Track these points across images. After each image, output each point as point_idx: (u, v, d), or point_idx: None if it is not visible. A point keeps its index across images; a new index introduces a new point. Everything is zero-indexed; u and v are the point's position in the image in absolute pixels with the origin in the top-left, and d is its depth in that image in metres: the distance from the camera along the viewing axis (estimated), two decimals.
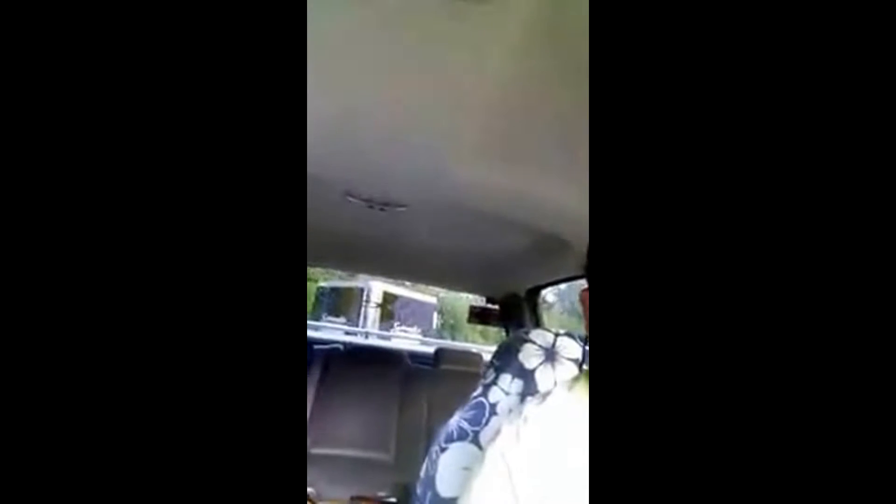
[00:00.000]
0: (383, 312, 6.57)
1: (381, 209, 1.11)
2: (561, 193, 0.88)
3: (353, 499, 1.66)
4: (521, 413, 0.51)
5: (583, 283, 0.54)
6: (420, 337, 6.49)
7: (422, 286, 6.08)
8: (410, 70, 0.56)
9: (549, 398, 0.52)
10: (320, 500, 1.61)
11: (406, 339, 6.01)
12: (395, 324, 6.66)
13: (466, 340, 7.27)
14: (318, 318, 6.32)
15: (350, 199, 1.07)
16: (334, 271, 5.91)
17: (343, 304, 6.60)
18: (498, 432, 0.51)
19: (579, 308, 0.54)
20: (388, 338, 5.90)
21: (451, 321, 8.79)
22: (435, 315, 7.47)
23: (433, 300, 7.37)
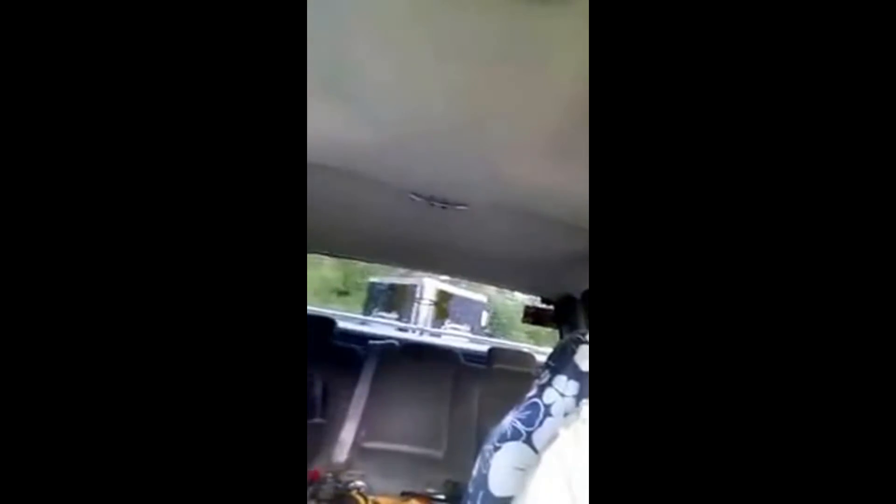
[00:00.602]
0: (438, 310, 6.63)
1: (443, 207, 1.13)
2: None
3: (403, 494, 1.70)
4: (579, 415, 0.51)
5: None
6: (470, 335, 6.50)
7: (473, 285, 6.08)
8: (479, 68, 0.57)
9: None
10: (371, 494, 1.65)
11: (456, 337, 6.03)
12: (447, 321, 6.70)
13: (513, 340, 7.23)
14: (369, 313, 6.45)
15: (413, 197, 1.09)
16: (391, 267, 6.02)
17: (396, 300, 6.71)
18: (555, 435, 0.51)
19: None
20: (438, 335, 5.94)
21: (501, 320, 8.76)
22: (484, 314, 7.47)
23: (483, 298, 7.37)
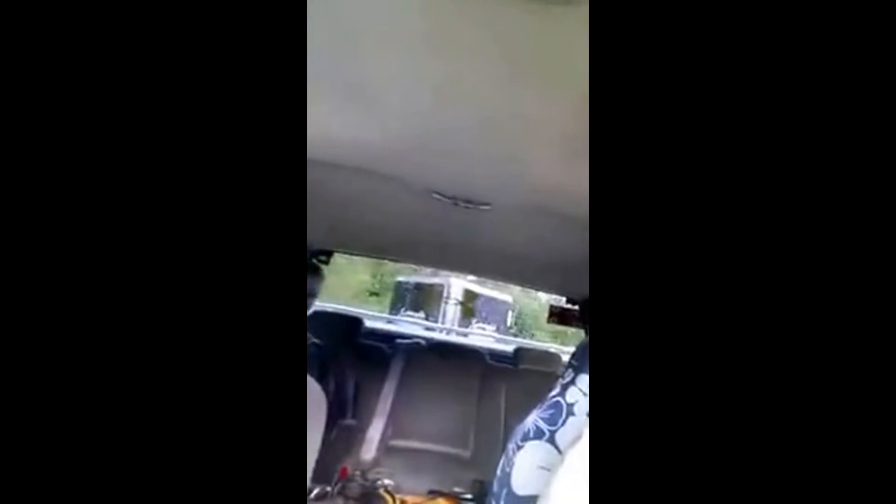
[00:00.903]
0: (465, 310, 6.63)
1: (466, 207, 1.14)
2: None
3: (430, 493, 1.71)
4: None
5: None
6: (496, 335, 6.48)
7: (499, 285, 6.07)
8: (501, 66, 0.57)
9: None
10: (398, 493, 1.67)
11: (483, 336, 6.03)
12: (474, 321, 6.70)
13: (538, 340, 7.19)
14: (396, 313, 6.50)
15: (436, 196, 1.11)
16: (418, 267, 6.06)
17: (423, 299, 6.74)
18: (579, 434, 0.51)
19: None
20: (465, 334, 5.95)
21: (526, 320, 8.71)
22: (509, 313, 7.44)
23: (509, 298, 7.34)
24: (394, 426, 1.89)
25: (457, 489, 1.72)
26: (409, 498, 1.67)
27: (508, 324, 7.35)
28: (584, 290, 2.02)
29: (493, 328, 6.78)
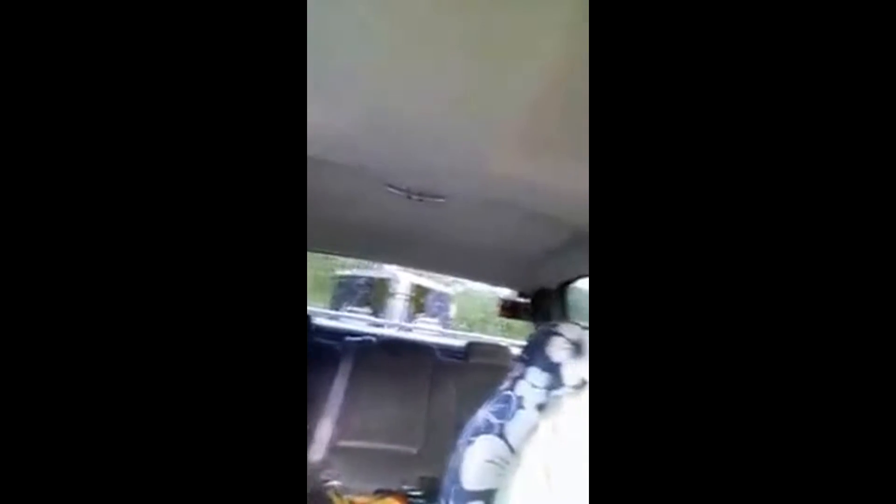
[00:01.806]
0: (414, 304, 6.62)
1: (419, 200, 1.13)
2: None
3: (378, 492, 1.71)
4: (558, 407, 0.52)
5: None
6: (441, 329, 6.51)
7: (445, 278, 6.10)
8: (455, 57, 0.57)
9: (584, 391, 0.52)
10: (346, 493, 1.66)
11: (428, 331, 6.04)
12: (420, 316, 6.71)
13: (480, 333, 7.27)
14: (338, 309, 6.35)
15: (390, 189, 1.10)
16: (356, 260, 5.97)
17: (369, 294, 6.66)
18: (534, 427, 0.52)
19: None
20: (410, 329, 5.93)
21: (467, 314, 8.81)
22: (452, 307, 7.50)
23: (452, 292, 7.40)
24: (342, 426, 1.87)
25: (405, 487, 1.73)
26: (357, 498, 1.66)
27: (451, 317, 7.39)
28: (536, 283, 2.07)
29: (438, 322, 6.80)
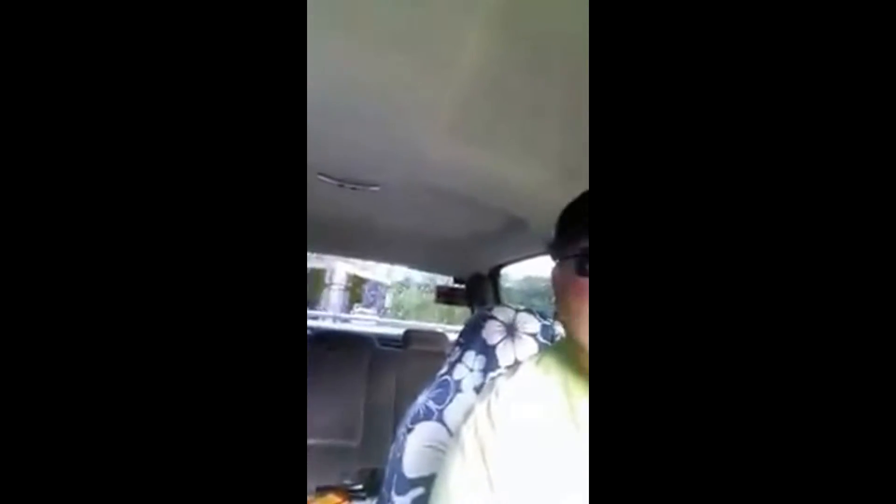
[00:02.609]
0: (352, 295, 6.55)
1: (353, 189, 1.12)
2: (526, 176, 0.92)
3: (319, 490, 1.69)
4: (492, 388, 0.53)
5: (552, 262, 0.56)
6: (377, 318, 6.51)
7: (381, 267, 6.09)
8: (386, 44, 0.57)
9: (518, 372, 0.54)
10: None
11: (364, 321, 6.01)
12: (356, 305, 6.66)
13: (414, 319, 7.34)
14: None
15: (322, 178, 1.07)
16: None
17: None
18: (470, 409, 0.53)
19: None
20: (348, 320, 5.88)
21: (401, 302, 8.87)
22: (388, 296, 7.51)
23: (388, 281, 7.41)
24: None
25: (346, 482, 1.72)
26: None
27: (387, 306, 7.40)
28: (469, 268, 2.10)
29: (375, 311, 6.79)
